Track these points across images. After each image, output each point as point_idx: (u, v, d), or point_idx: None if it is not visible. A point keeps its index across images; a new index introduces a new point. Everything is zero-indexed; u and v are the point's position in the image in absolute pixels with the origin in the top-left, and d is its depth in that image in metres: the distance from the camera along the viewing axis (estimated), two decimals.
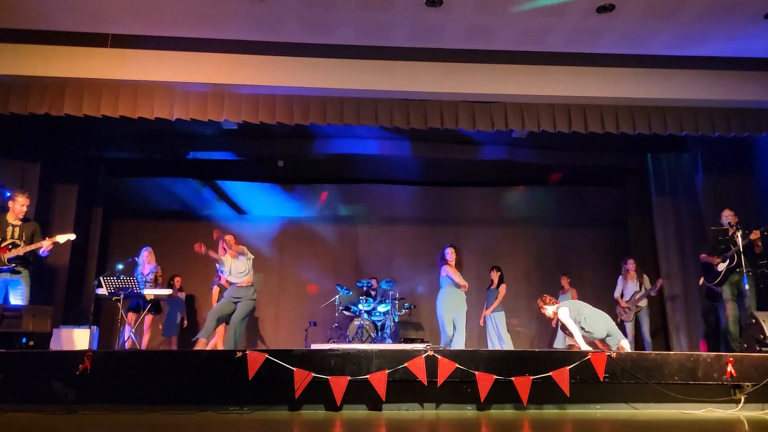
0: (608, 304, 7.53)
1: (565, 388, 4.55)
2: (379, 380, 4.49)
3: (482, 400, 4.51)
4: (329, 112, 6.60)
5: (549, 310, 5.89)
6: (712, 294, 6.77)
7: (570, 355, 4.78)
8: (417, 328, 9.47)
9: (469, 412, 4.58)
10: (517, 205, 10.13)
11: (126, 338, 6.83)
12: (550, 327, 8.80)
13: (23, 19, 6.07)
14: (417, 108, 6.72)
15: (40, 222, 6.44)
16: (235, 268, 6.43)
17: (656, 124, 6.79)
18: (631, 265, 8.03)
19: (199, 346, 6.19)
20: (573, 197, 9.95)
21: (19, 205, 5.84)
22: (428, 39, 6.42)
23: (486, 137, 8.23)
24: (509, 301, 8.65)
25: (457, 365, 4.57)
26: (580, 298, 7.20)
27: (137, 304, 7.18)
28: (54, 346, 5.74)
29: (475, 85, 6.61)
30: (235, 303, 6.39)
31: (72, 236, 6.05)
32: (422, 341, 8.10)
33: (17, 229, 5.81)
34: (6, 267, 5.69)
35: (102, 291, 6.47)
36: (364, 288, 8.93)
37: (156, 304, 7.27)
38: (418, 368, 4.54)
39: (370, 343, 8.07)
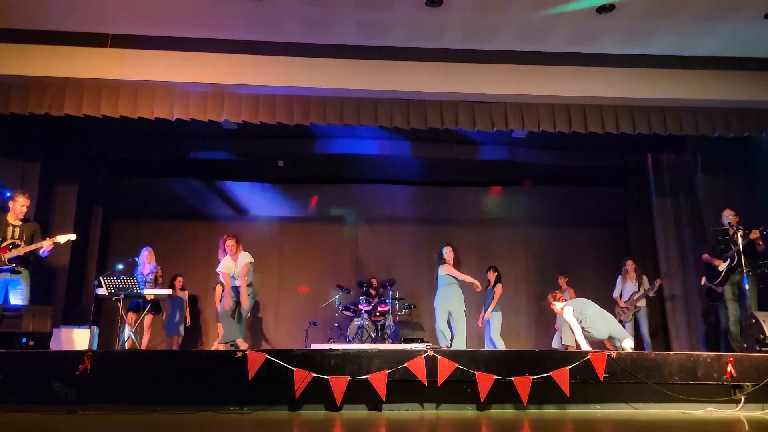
0: (608, 305, 7.49)
1: (565, 388, 4.55)
2: (379, 380, 4.49)
3: (482, 400, 4.51)
4: (329, 112, 6.60)
5: (557, 306, 6.02)
6: (712, 294, 6.77)
7: (570, 355, 4.78)
8: (417, 328, 9.47)
9: (469, 412, 4.58)
10: (518, 205, 10.12)
11: (126, 338, 6.83)
12: (551, 327, 8.81)
13: (23, 19, 6.07)
14: (417, 108, 6.72)
15: (40, 222, 6.44)
16: (237, 271, 6.54)
17: (656, 124, 6.79)
18: (630, 265, 8.03)
19: (242, 347, 6.28)
20: (573, 197, 9.94)
21: (19, 205, 5.84)
22: (428, 39, 6.42)
23: (486, 137, 8.23)
24: (509, 301, 8.65)
25: (457, 365, 4.57)
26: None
27: (137, 304, 7.18)
28: (54, 346, 5.75)
29: (475, 85, 6.61)
30: (237, 302, 6.54)
31: (72, 236, 6.05)
32: (422, 341, 8.10)
33: (17, 230, 5.81)
34: (6, 267, 5.68)
35: (102, 291, 6.47)
36: (364, 288, 8.93)
37: (156, 304, 7.26)
38: (418, 368, 4.54)
39: (370, 343, 8.06)
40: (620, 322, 7.85)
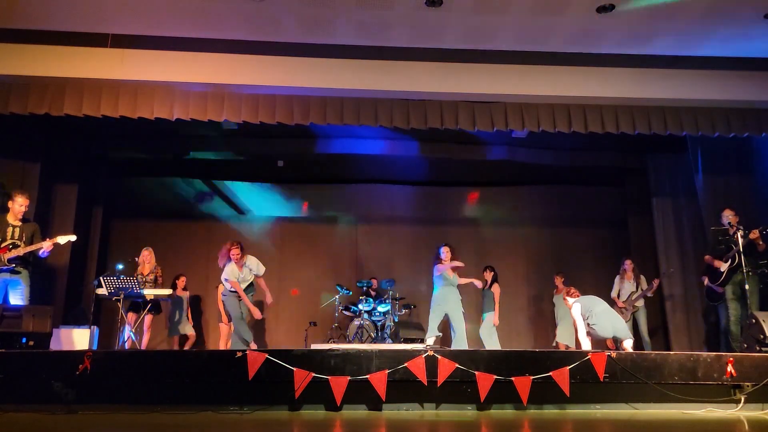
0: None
1: (565, 388, 4.56)
2: (379, 380, 4.49)
3: (482, 400, 4.51)
4: (329, 112, 6.60)
5: (569, 301, 6.11)
6: (712, 294, 6.77)
7: (570, 355, 4.79)
8: (417, 328, 9.47)
9: (469, 412, 4.58)
10: (518, 205, 10.11)
11: (126, 338, 6.83)
12: (550, 327, 8.81)
13: (23, 19, 6.07)
14: (417, 108, 6.72)
15: (40, 222, 6.44)
16: (242, 276, 6.53)
17: (656, 124, 6.78)
18: (628, 265, 8.03)
19: (253, 346, 6.29)
20: (573, 197, 9.94)
21: (18, 205, 5.84)
22: (428, 39, 6.42)
23: (486, 137, 8.23)
24: (509, 301, 8.64)
25: (457, 365, 4.57)
26: None
27: (137, 304, 7.17)
28: (54, 346, 5.75)
29: (475, 85, 6.60)
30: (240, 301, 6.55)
31: (73, 237, 6.04)
32: (422, 341, 8.09)
33: (17, 230, 5.80)
34: (6, 267, 5.68)
35: (102, 291, 6.47)
36: (364, 288, 8.93)
37: (156, 304, 7.26)
38: (418, 368, 4.54)
39: (370, 343, 8.06)
40: None
